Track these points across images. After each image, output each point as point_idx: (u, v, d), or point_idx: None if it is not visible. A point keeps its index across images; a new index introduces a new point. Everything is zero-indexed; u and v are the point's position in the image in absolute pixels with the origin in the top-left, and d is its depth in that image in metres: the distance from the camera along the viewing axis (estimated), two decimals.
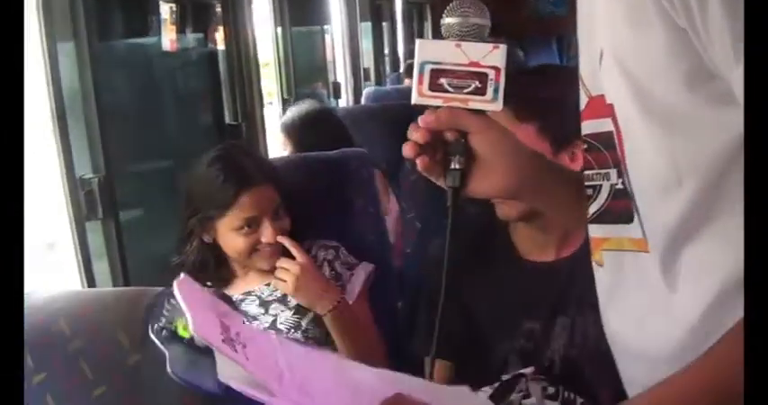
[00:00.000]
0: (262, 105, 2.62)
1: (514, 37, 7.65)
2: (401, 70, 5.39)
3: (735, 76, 0.58)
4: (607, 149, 0.73)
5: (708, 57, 0.61)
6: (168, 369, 0.74)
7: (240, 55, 2.53)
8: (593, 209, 0.77)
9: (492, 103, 0.77)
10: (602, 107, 0.72)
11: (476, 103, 0.77)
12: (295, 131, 2.45)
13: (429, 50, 0.78)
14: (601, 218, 0.77)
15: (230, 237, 1.57)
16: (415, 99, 0.78)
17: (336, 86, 4.10)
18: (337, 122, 2.55)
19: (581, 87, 0.77)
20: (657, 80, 0.65)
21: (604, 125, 0.72)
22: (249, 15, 2.57)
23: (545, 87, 1.26)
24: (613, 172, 0.73)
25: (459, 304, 1.38)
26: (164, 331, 0.81)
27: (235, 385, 0.68)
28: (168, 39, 2.52)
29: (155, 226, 2.13)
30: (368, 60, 5.00)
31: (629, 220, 0.72)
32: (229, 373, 0.71)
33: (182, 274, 0.82)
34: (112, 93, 2.10)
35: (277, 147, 2.59)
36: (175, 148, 2.47)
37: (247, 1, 2.57)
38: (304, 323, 1.61)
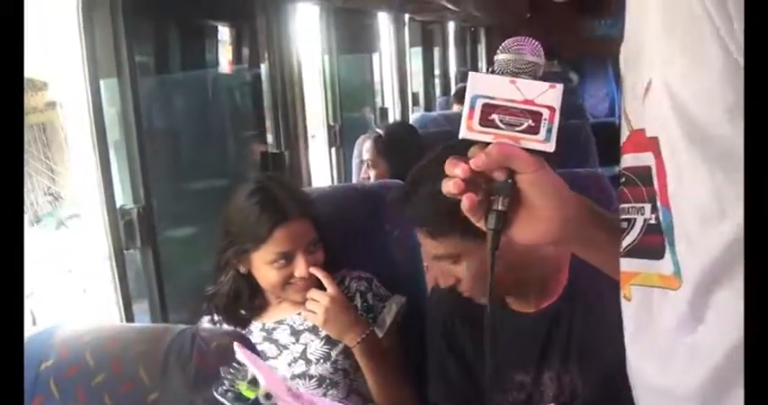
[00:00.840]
0: (306, 135, 2.64)
1: (569, 58, 7.60)
2: (451, 94, 5.40)
3: None
4: (644, 184, 0.72)
5: None
6: None
7: (284, 82, 2.57)
8: (625, 242, 0.76)
9: (544, 144, 0.74)
10: (643, 141, 0.71)
11: (527, 141, 0.74)
12: (389, 147, 2.52)
13: (482, 85, 0.75)
14: (632, 252, 0.75)
15: (264, 270, 1.59)
16: (463, 133, 0.75)
17: (384, 112, 4.11)
18: (420, 139, 2.62)
19: (623, 120, 0.76)
20: (707, 111, 0.63)
21: (644, 159, 0.71)
22: (295, 41, 2.61)
23: None
24: (648, 207, 0.71)
25: (457, 355, 1.38)
26: (229, 393, 0.87)
27: None
28: (226, 60, 2.59)
29: (195, 253, 2.17)
30: (417, 84, 5.01)
31: (660, 255, 0.70)
32: None
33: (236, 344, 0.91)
34: (160, 120, 2.16)
35: (359, 171, 2.64)
36: (220, 174, 2.52)
37: (293, 27, 2.61)
38: (334, 354, 1.61)
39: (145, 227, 1.73)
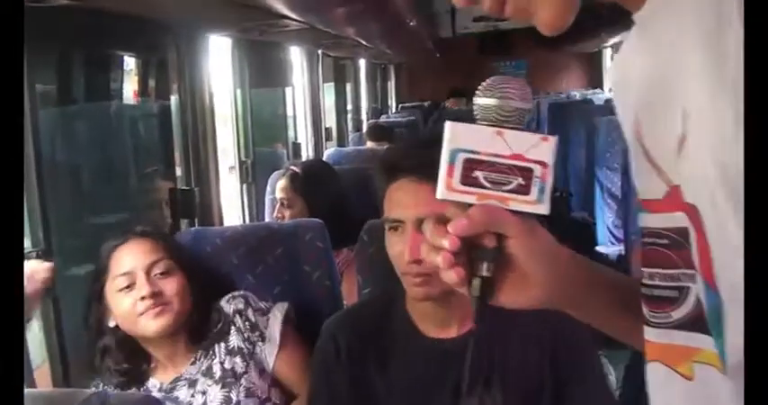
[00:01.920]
0: (217, 171, 2.54)
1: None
2: (363, 130, 5.40)
3: None
4: (690, 247, 0.61)
5: None
6: None
7: (195, 116, 2.47)
8: (678, 314, 0.65)
9: (536, 205, 0.65)
10: (678, 199, 0.61)
11: (517, 203, 0.65)
12: (306, 185, 2.43)
13: (462, 136, 0.65)
14: (690, 325, 0.64)
15: (115, 301, 1.51)
16: (442, 193, 0.65)
17: (296, 147, 4.05)
18: (337, 177, 2.54)
19: (658, 176, 0.65)
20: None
21: (680, 220, 0.62)
22: (206, 74, 2.52)
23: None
24: (698, 274, 0.61)
25: (367, 395, 1.31)
26: None
27: None
28: (132, 90, 2.48)
29: None
30: (330, 120, 4.98)
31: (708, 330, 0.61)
32: None
33: None
34: (61, 152, 2.04)
35: (273, 212, 2.54)
36: (125, 210, 2.40)
37: (205, 59, 2.53)
38: (234, 396, 1.53)
39: None
